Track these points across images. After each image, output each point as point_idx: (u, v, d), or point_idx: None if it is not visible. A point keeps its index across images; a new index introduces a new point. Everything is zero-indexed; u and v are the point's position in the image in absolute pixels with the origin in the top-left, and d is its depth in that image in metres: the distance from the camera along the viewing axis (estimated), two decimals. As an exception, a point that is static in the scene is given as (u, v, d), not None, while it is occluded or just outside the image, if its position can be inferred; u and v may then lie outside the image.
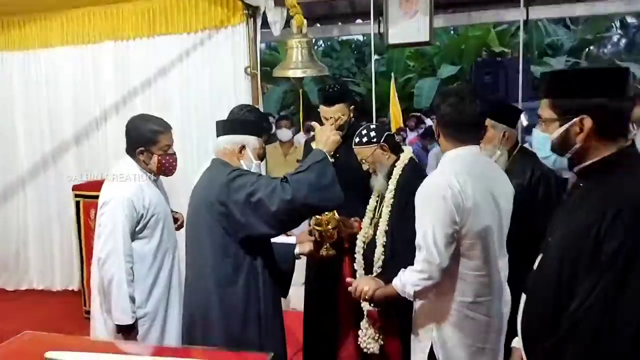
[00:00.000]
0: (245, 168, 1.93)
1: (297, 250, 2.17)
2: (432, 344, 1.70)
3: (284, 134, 4.35)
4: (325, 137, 1.87)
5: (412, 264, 1.65)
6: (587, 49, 12.45)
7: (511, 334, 1.50)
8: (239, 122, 2.09)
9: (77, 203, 3.73)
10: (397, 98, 6.46)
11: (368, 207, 2.29)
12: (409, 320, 1.83)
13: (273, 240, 1.96)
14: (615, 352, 1.11)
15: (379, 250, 2.11)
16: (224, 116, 2.28)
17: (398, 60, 11.86)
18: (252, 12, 3.65)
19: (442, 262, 1.57)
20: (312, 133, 2.10)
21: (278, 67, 2.79)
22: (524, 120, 5.17)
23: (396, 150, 2.20)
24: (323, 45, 13.77)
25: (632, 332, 1.09)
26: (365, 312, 2.15)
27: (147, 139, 2.17)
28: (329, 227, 2.20)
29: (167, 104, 3.89)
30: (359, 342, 2.19)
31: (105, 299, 2.11)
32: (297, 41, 2.62)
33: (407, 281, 1.64)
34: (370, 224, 2.25)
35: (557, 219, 1.30)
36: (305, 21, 2.64)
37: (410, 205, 1.70)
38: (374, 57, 4.64)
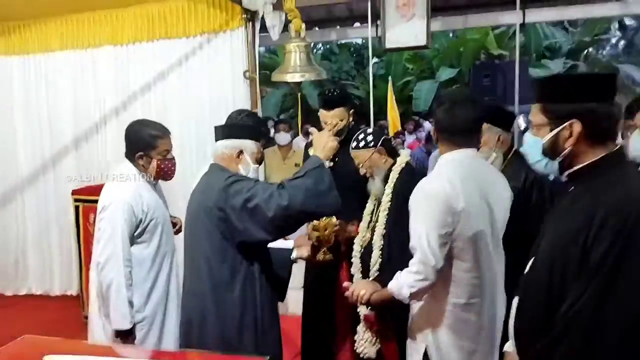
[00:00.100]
0: (243, 172, 1.94)
1: (294, 255, 2.17)
2: (426, 346, 1.72)
3: (282, 137, 4.36)
4: (323, 144, 1.88)
5: (408, 267, 1.66)
6: (585, 51, 12.48)
7: (506, 337, 1.51)
8: (237, 126, 2.10)
9: (77, 207, 3.73)
10: (394, 101, 6.47)
11: (365, 210, 2.30)
12: (406, 324, 1.85)
13: (270, 244, 1.97)
14: (605, 353, 1.13)
15: (375, 254, 2.13)
16: (222, 120, 2.29)
17: (397, 63, 11.88)
18: (251, 16, 3.66)
19: (437, 263, 1.59)
20: (311, 137, 2.11)
21: (276, 71, 2.81)
22: (522, 123, 5.19)
23: (393, 154, 2.22)
24: (322, 48, 13.79)
25: (621, 334, 1.11)
26: (361, 316, 2.16)
27: (146, 144, 2.18)
28: (326, 232, 2.22)
29: (166, 108, 3.90)
30: (355, 346, 2.20)
31: (104, 303, 2.12)
32: (295, 45, 2.64)
33: (403, 283, 1.66)
34: (368, 227, 2.26)
35: (548, 222, 1.32)
36: (303, 25, 2.66)
37: (406, 209, 1.71)
38: (372, 60, 4.65)
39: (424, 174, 1.82)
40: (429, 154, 6.28)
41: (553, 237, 1.24)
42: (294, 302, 3.25)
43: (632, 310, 1.11)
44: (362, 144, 2.17)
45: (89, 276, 2.27)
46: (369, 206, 2.29)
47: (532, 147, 1.51)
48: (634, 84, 11.11)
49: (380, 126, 6.87)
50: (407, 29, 3.62)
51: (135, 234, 2.13)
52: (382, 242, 2.12)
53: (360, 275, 2.22)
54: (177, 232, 2.44)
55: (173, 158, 2.26)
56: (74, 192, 3.78)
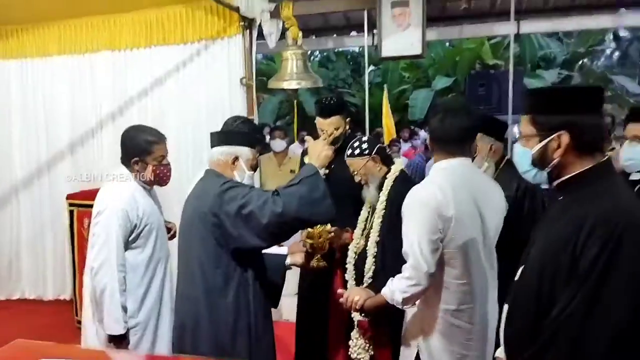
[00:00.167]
0: (238, 179, 1.96)
1: (288, 261, 2.18)
2: (418, 352, 1.73)
3: (278, 144, 4.38)
4: (318, 152, 1.90)
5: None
6: (580, 62, 12.59)
7: (499, 343, 1.53)
8: (233, 133, 2.12)
9: (71, 212, 3.73)
10: (390, 109, 6.50)
11: (360, 218, 2.32)
12: (399, 330, 1.86)
13: (264, 250, 1.98)
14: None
15: (369, 261, 2.14)
16: (219, 126, 2.30)
17: (393, 71, 11.94)
18: (248, 23, 3.69)
19: (429, 269, 1.61)
20: (306, 144, 2.13)
21: (273, 79, 2.84)
22: (517, 132, 5.23)
23: (387, 162, 2.24)
24: (319, 55, 13.86)
25: (608, 341, 1.13)
26: (355, 323, 2.17)
27: (141, 150, 2.19)
28: (321, 239, 2.23)
29: (163, 113, 3.91)
30: (349, 353, 2.21)
31: (98, 309, 2.11)
32: (292, 53, 2.67)
33: (396, 288, 1.67)
34: (362, 234, 2.27)
35: (538, 230, 1.34)
36: (300, 33, 2.69)
37: (400, 217, 1.73)
38: (368, 69, 4.69)
39: (413, 182, 1.85)
40: (428, 161, 6.31)
41: (543, 245, 1.26)
42: (288, 308, 3.26)
43: (620, 317, 1.13)
44: (357, 151, 2.19)
45: (83, 281, 2.27)
46: (364, 213, 2.31)
47: (522, 157, 1.53)
48: (628, 95, 11.22)
49: (377, 134, 6.90)
50: (402, 38, 3.66)
51: (130, 239, 2.14)
52: (376, 249, 2.14)
53: (354, 282, 2.23)
54: (172, 237, 2.44)
55: (168, 164, 2.27)
56: (68, 197, 3.77)
